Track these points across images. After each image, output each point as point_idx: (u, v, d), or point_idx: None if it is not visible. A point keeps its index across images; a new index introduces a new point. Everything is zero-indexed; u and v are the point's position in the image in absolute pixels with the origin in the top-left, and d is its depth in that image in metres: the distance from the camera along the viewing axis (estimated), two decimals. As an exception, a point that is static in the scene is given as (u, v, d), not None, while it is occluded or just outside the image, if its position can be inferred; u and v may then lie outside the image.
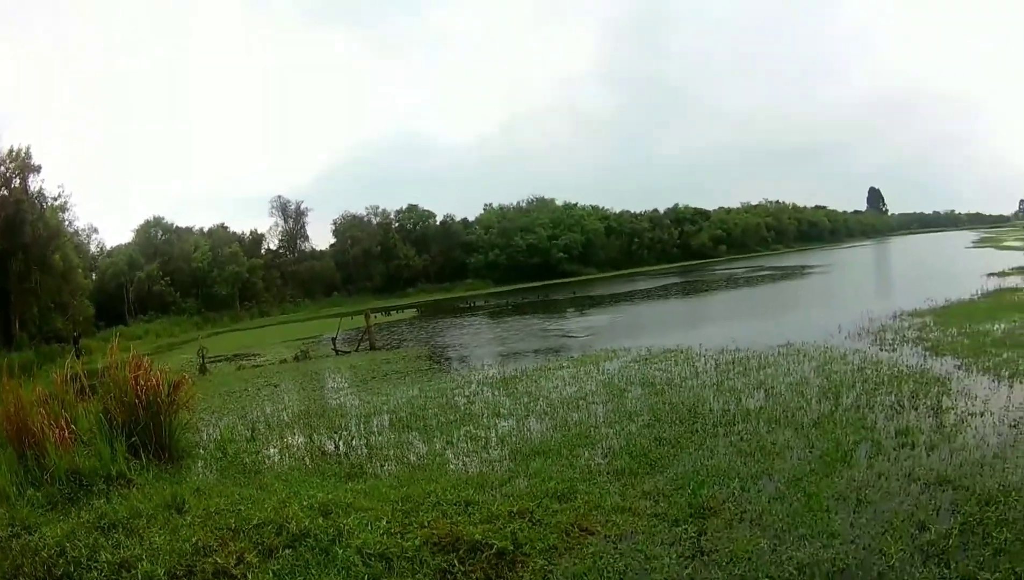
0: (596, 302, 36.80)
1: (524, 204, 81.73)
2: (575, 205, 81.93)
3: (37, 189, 40.15)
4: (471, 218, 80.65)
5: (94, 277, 58.05)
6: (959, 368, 10.20)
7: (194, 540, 5.16)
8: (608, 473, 6.48)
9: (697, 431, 7.76)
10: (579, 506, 5.50)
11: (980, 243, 66.22)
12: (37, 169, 39.39)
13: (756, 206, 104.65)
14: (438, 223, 78.30)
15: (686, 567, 4.42)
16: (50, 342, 36.79)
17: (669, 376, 11.40)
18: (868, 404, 8.50)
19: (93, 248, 62.80)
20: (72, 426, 7.68)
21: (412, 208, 78.90)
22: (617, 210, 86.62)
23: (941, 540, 4.64)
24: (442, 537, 4.90)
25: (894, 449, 6.73)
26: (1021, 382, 9.12)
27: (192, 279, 62.08)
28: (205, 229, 68.90)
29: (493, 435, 8.57)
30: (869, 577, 4.25)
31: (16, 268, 36.83)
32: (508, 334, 24.14)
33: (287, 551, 4.96)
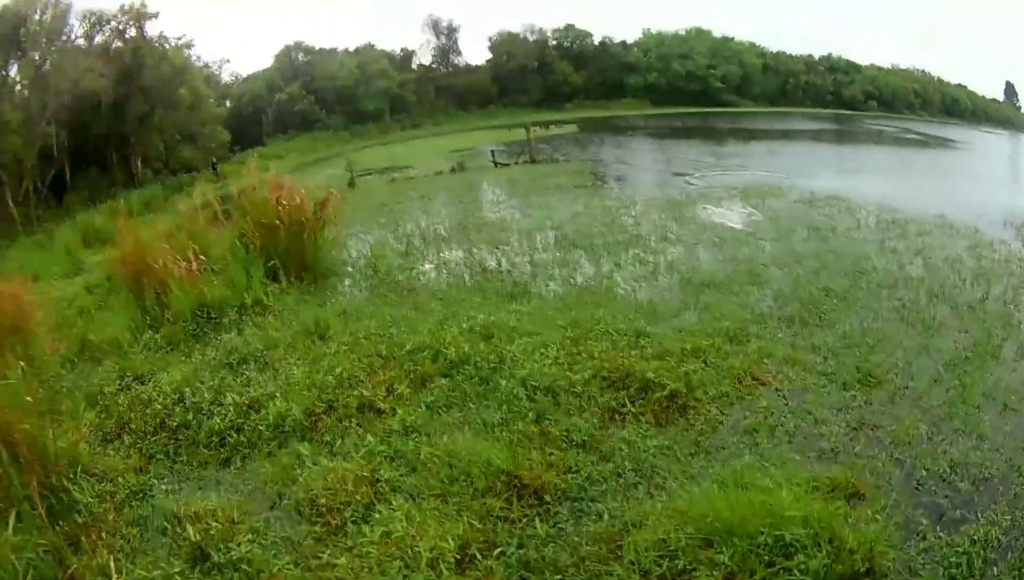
0: (754, 135, 34.36)
1: (683, 32, 77.71)
2: (732, 39, 76.76)
3: (158, 34, 40.47)
4: (629, 41, 75.67)
5: (227, 104, 57.36)
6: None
7: (338, 371, 4.73)
8: (779, 318, 6.05)
9: (863, 288, 7.14)
10: (751, 352, 5.11)
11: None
12: (155, 16, 39.75)
13: (904, 70, 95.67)
14: (596, 43, 74.06)
15: (852, 440, 4.24)
16: (177, 173, 37.66)
17: (833, 224, 10.46)
18: (1014, 301, 7.58)
19: (226, 77, 60.82)
20: (201, 257, 7.08)
21: (569, 27, 73.46)
22: (774, 50, 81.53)
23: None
24: (612, 371, 4.52)
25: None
26: None
27: (338, 96, 59.96)
28: (351, 49, 65.15)
29: (662, 261, 7.90)
30: (1008, 495, 3.97)
31: (135, 110, 37.76)
32: (670, 156, 22.85)
33: (443, 381, 4.58)
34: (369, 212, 13.24)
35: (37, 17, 31.93)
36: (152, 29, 40.21)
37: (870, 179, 17.88)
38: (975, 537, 3.30)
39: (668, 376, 4.50)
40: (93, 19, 38.14)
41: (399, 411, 4.29)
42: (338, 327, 5.64)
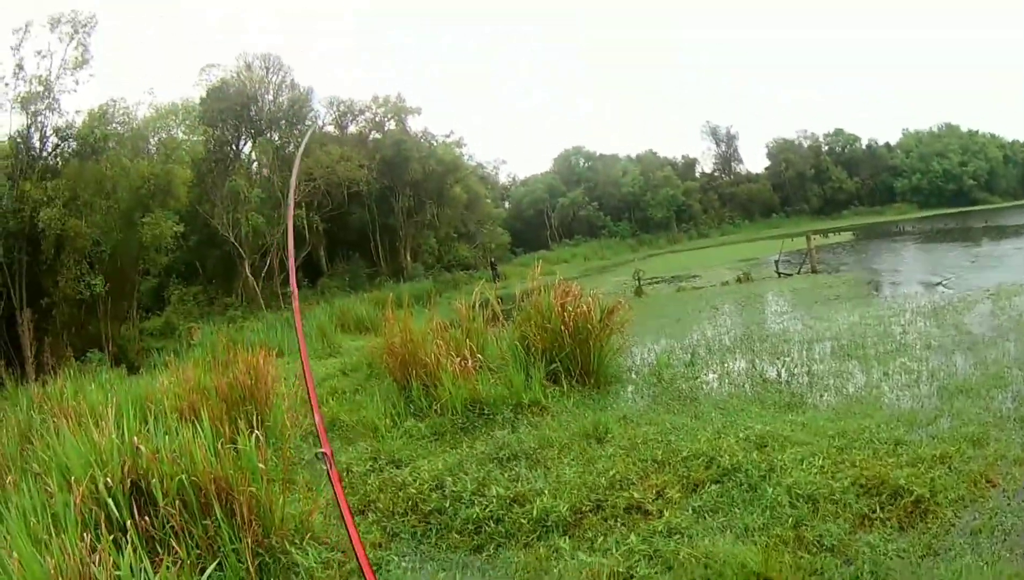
0: (1004, 232, 32.43)
1: (936, 130, 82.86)
2: (977, 132, 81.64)
3: (422, 129, 42.21)
4: (892, 142, 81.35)
5: (507, 205, 62.66)
6: None
7: (611, 473, 4.86)
8: (1016, 419, 5.77)
9: None
10: (989, 454, 4.99)
11: None
12: (416, 111, 41.47)
13: None
14: (864, 147, 79.38)
15: None
16: (452, 270, 37.85)
17: None
18: None
19: (504, 178, 66.44)
20: (477, 355, 7.28)
21: (839, 131, 79.21)
22: (1009, 139, 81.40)
23: None
24: (869, 479, 4.63)
25: None
26: None
27: (622, 204, 62.97)
28: (633, 155, 70.53)
29: (924, 369, 7.85)
30: None
31: (404, 204, 38.59)
32: (935, 260, 22.67)
33: (713, 487, 4.69)
34: (656, 320, 13.55)
35: (270, 97, 32.53)
36: (414, 124, 42.28)
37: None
38: None
39: (917, 482, 4.54)
40: (342, 108, 40.47)
41: (666, 513, 4.41)
42: (617, 431, 5.77)
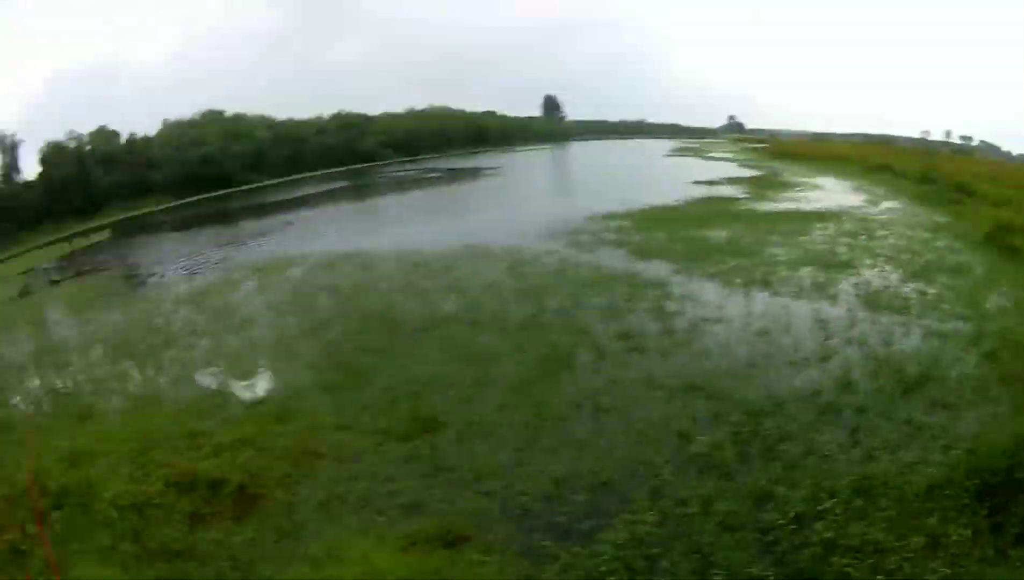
0: (266, 210, 35.18)
1: (199, 116, 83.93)
2: (244, 115, 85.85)
3: None
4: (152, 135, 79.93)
5: None
6: (677, 273, 10.20)
7: None
8: (320, 387, 6.21)
9: (399, 337, 7.45)
10: (300, 427, 5.33)
11: (681, 152, 58.84)
12: None
13: (423, 111, 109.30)
14: (123, 142, 77.51)
15: (429, 487, 4.26)
16: None
17: (356, 281, 11.02)
18: (576, 306, 8.26)
19: None
20: None
21: (102, 129, 76.32)
22: (282, 118, 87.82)
23: (715, 452, 4.69)
24: None
25: (620, 353, 6.55)
26: (759, 290, 9.07)
27: None
28: None
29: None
30: (643, 491, 4.21)
31: None
32: (191, 250, 22.49)
33: None
34: None
35: None
36: None
37: (389, 228, 19.17)
38: None
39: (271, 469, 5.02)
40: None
41: None
42: None
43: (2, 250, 52.17)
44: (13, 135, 67.49)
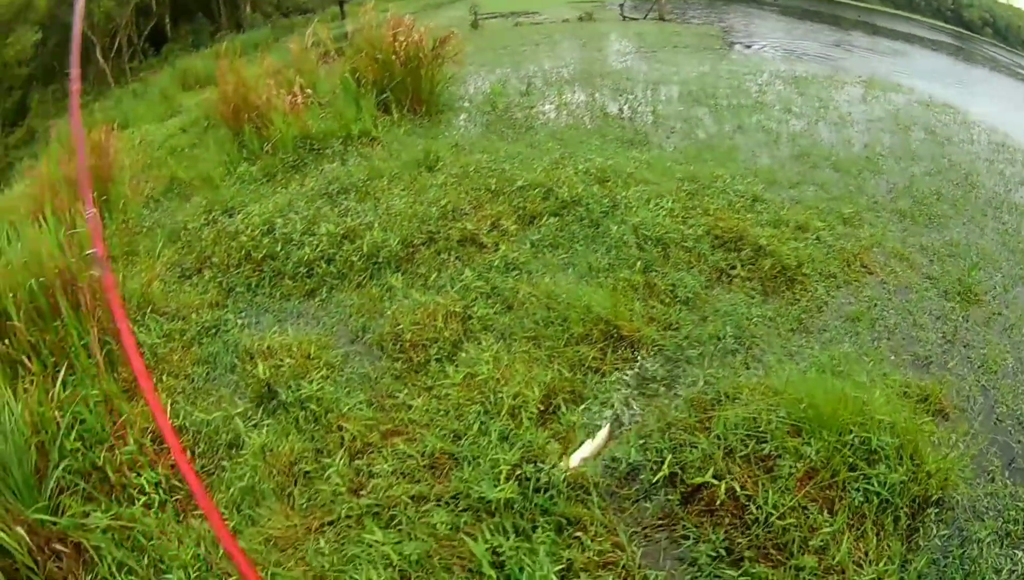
0: (878, 31, 29.97)
1: None
2: None
3: None
4: None
5: None
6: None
7: (443, 203, 4.55)
8: (891, 211, 5.73)
9: (971, 201, 6.65)
10: (863, 237, 4.85)
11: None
12: None
13: (1016, 7, 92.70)
14: None
15: (946, 351, 4.00)
16: (290, 16, 34.41)
17: (948, 132, 9.56)
18: None
19: None
20: (308, 91, 6.87)
21: None
22: None
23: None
24: (725, 231, 4.39)
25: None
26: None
27: None
28: None
29: (784, 131, 7.61)
30: None
31: None
32: (800, 34, 21.37)
33: (552, 219, 4.44)
34: (491, 53, 12.62)
35: None
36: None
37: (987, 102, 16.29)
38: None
39: (780, 246, 4.37)
40: None
41: (502, 247, 4.18)
42: (448, 159, 5.37)
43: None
44: None
